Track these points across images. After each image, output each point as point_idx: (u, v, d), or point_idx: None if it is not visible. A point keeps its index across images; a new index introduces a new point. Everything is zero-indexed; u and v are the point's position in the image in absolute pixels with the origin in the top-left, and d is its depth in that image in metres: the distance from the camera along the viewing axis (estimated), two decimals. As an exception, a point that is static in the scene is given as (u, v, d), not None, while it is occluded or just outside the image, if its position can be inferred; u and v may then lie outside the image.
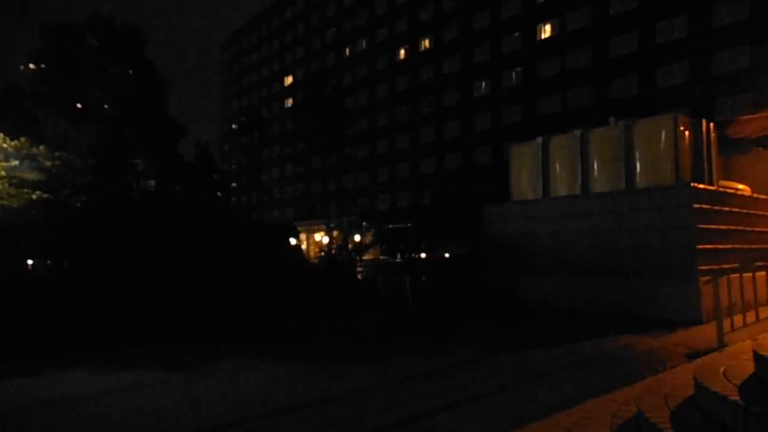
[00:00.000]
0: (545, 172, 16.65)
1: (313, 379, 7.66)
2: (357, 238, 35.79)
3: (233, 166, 58.84)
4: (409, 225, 42.97)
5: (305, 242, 45.67)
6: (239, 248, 15.80)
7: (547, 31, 41.68)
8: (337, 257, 28.15)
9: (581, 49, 39.19)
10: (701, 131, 14.37)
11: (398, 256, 33.72)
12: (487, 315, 14.02)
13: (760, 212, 14.40)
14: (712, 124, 14.89)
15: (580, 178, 15.69)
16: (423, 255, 33.58)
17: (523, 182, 17.40)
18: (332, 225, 38.72)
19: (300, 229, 37.45)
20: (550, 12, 41.22)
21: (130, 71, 22.24)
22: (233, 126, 70.76)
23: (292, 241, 32.18)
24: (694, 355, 7.99)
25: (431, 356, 9.09)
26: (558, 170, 16.34)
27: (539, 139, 16.98)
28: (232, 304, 13.41)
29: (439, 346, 9.91)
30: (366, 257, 31.05)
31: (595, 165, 15.39)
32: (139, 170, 22.57)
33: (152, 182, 23.32)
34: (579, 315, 13.22)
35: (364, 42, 57.28)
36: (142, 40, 22.61)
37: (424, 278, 20.52)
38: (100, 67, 21.52)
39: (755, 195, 14.80)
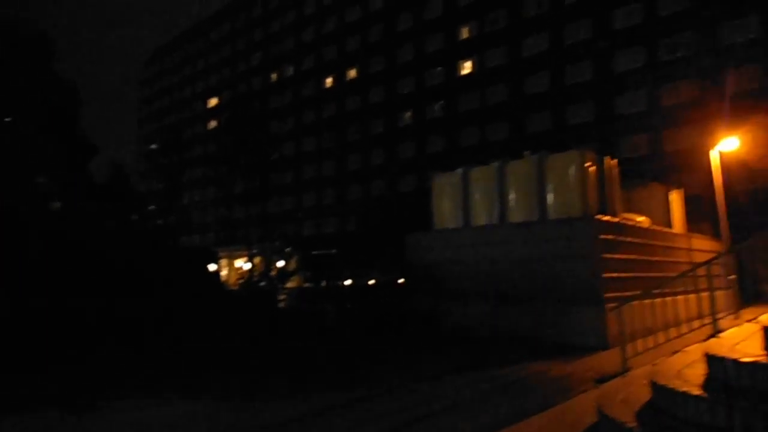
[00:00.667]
0: (466, 201, 17.17)
1: (228, 414, 7.22)
2: (280, 264, 35.01)
3: (152, 189, 56.12)
4: (334, 251, 42.70)
5: (226, 269, 44.05)
6: (147, 274, 14.89)
7: (467, 67, 43.74)
8: (258, 284, 27.24)
9: (499, 86, 41.42)
10: (605, 167, 15.47)
11: (323, 282, 33.31)
12: (409, 342, 14.04)
13: (658, 242, 15.61)
14: (615, 161, 16.08)
15: (498, 208, 16.32)
16: (348, 282, 33.37)
17: (445, 211, 17.82)
18: (254, 251, 37.65)
19: (221, 254, 36.12)
20: (470, 49, 43.36)
21: (36, 83, 20.70)
22: (152, 146, 67.71)
23: (212, 267, 30.89)
24: (601, 380, 8.37)
25: (352, 386, 8.89)
26: (478, 200, 16.90)
27: (460, 170, 17.52)
28: (139, 335, 12.53)
29: (360, 375, 9.74)
30: (289, 284, 30.38)
31: (512, 196, 16.09)
32: (43, 190, 20.86)
33: (57, 203, 21.63)
34: (498, 341, 13.54)
35: (291, 68, 57.20)
36: (50, 50, 21.17)
37: (348, 305, 20.33)
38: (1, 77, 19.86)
39: (653, 226, 16.06)
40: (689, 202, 20.27)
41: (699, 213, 22.11)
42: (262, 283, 28.23)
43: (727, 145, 18.96)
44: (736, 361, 4.43)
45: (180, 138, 62.49)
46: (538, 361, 10.51)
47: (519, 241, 14.70)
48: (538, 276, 14.03)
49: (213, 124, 64.48)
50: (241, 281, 29.52)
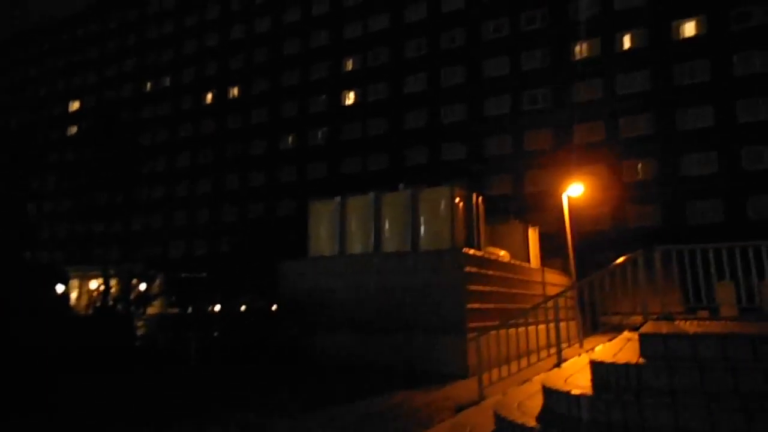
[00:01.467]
0: (342, 230, 17.16)
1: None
2: (142, 287, 32.12)
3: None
4: (204, 274, 40.25)
5: (77, 290, 39.38)
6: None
7: (350, 98, 44.65)
8: (113, 309, 24.68)
9: (381, 118, 42.77)
10: (472, 202, 16.44)
11: (189, 308, 31.08)
12: (278, 372, 13.48)
13: (517, 276, 16.83)
14: (480, 197, 17.17)
15: (373, 238, 16.53)
16: (217, 307, 31.54)
17: (321, 238, 17.66)
18: (112, 272, 34.18)
19: (73, 275, 32.30)
20: (353, 81, 44.40)
21: None
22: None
23: (59, 288, 27.41)
24: (459, 408, 8.61)
25: (205, 424, 8.17)
26: (354, 229, 16.99)
27: (338, 199, 17.54)
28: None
29: (217, 410, 9.02)
30: (151, 309, 27.93)
31: (387, 226, 16.42)
32: None
33: None
34: (367, 370, 13.49)
35: (168, 79, 53.99)
36: None
37: (216, 333, 19.08)
38: None
39: (513, 261, 17.31)
40: (544, 239, 22.28)
41: (552, 249, 24.36)
42: (119, 307, 25.65)
43: (574, 191, 21.23)
44: (566, 394, 4.73)
45: (32, 142, 55.64)
46: (404, 391, 10.59)
47: (391, 271, 14.96)
48: (408, 305, 14.33)
49: (74, 130, 58.31)
50: (92, 305, 26.54)
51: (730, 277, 7.54)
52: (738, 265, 7.48)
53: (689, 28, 35.22)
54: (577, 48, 37.63)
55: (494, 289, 14.94)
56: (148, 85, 55.12)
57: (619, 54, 36.34)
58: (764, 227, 28.81)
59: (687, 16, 35.20)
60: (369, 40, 44.84)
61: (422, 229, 15.62)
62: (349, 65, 45.31)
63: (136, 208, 46.78)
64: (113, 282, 30.36)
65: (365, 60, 44.63)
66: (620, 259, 8.72)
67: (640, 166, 34.25)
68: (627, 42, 36.46)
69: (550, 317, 10.72)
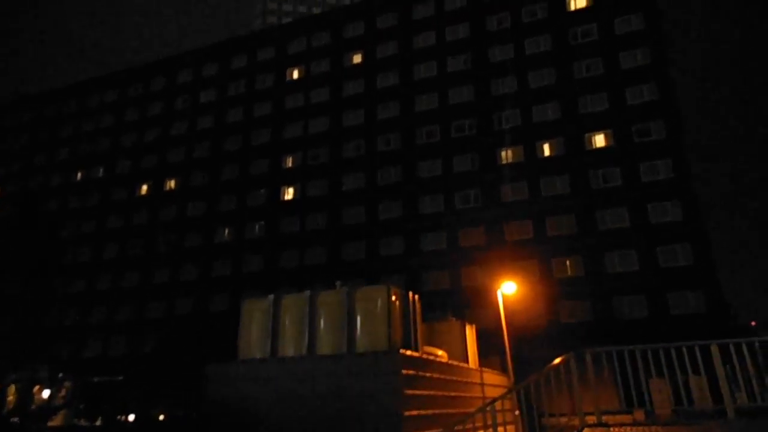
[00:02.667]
0: (275, 330, 16.13)
1: None
2: (45, 394, 28.44)
3: None
4: (120, 378, 36.46)
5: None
6: None
7: (290, 193, 44.75)
8: (5, 424, 21.43)
9: (319, 213, 42.82)
10: (409, 301, 16.07)
11: (99, 419, 27.58)
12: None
13: (456, 378, 16.20)
14: (417, 295, 16.87)
15: (307, 339, 15.59)
16: (132, 417, 28.23)
17: (253, 339, 16.46)
18: (13, 377, 30.22)
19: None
20: (293, 178, 44.82)
21: None
22: None
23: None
24: None
25: None
26: (288, 329, 16.01)
27: (271, 297, 16.66)
28: None
29: None
30: (55, 422, 24.50)
31: (322, 326, 15.60)
32: None
33: None
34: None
35: (101, 170, 52.29)
36: None
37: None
38: None
39: (451, 361, 16.75)
40: (482, 336, 22.00)
41: (490, 346, 24.08)
42: (14, 420, 22.31)
43: (508, 288, 21.46)
44: None
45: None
46: None
47: (326, 375, 13.96)
48: (343, 413, 13.25)
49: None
50: (-19, 419, 22.98)
51: (662, 374, 7.47)
52: (664, 362, 7.45)
53: (599, 140, 38.75)
54: (503, 153, 40.26)
55: (433, 392, 14.20)
56: (79, 174, 53.02)
57: (540, 160, 39.12)
58: (687, 321, 30.19)
59: (596, 130, 38.86)
60: (309, 140, 46.05)
61: (359, 329, 14.93)
62: (289, 162, 45.93)
63: (51, 303, 42.68)
64: (10, 390, 26.70)
65: (305, 158, 45.48)
66: (555, 362, 8.49)
67: (568, 262, 35.69)
68: (546, 150, 39.46)
69: (489, 422, 10.13)
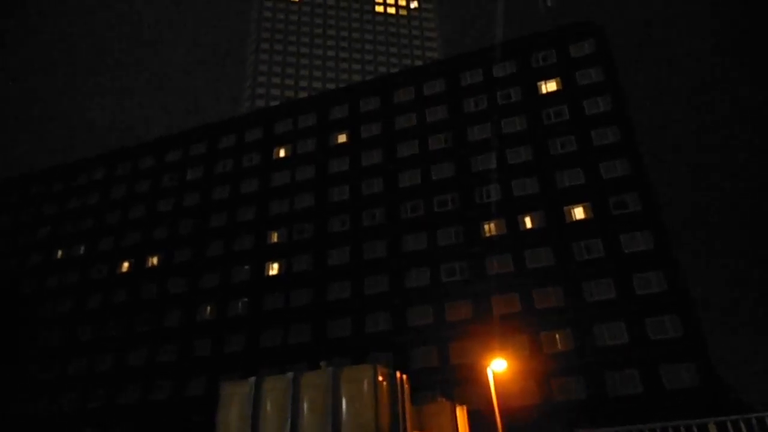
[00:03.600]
0: (256, 414, 14.86)
1: None
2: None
3: None
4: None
5: None
6: None
7: (274, 269, 43.83)
8: None
9: (304, 289, 41.75)
10: (396, 381, 15.06)
11: None
12: None
13: (447, 464, 14.87)
14: (405, 376, 15.87)
15: (289, 425, 14.36)
16: None
17: (231, 426, 15.14)
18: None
19: None
20: (278, 253, 44.12)
21: None
22: None
23: None
24: None
25: None
26: (269, 415, 14.76)
27: (252, 379, 15.53)
28: None
29: None
30: None
31: (306, 410, 14.43)
32: None
33: None
34: None
35: (82, 248, 51.06)
36: None
37: None
38: None
39: (442, 446, 15.46)
40: (474, 417, 20.65)
41: (482, 428, 22.61)
42: None
43: (498, 366, 20.48)
44: None
45: None
46: None
47: (309, 467, 12.67)
48: None
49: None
50: None
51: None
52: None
53: (579, 212, 39.21)
54: (487, 227, 40.37)
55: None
56: (59, 252, 51.61)
57: (523, 232, 39.22)
58: (681, 395, 29.00)
59: (575, 203, 39.42)
60: (295, 216, 45.88)
61: (344, 414, 13.80)
62: (275, 238, 45.41)
63: (22, 389, 39.73)
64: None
65: (291, 233, 45.06)
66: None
67: (557, 336, 34.72)
68: (528, 222, 39.71)
69: None
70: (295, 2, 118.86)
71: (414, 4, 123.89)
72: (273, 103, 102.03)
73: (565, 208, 39.37)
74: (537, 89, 45.45)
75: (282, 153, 50.13)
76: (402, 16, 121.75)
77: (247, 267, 44.57)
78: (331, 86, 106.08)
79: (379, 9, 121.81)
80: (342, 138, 48.91)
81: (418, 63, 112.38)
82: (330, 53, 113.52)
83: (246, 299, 43.07)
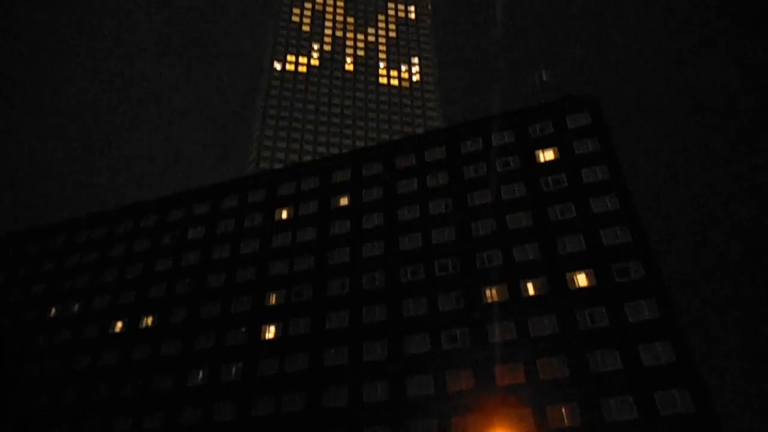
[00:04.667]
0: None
1: None
2: None
3: None
4: None
5: None
6: None
7: (271, 332, 42.18)
8: None
9: (300, 354, 39.95)
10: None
11: None
12: None
13: None
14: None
15: None
16: None
17: None
18: None
19: None
20: (275, 316, 42.65)
21: None
22: None
23: None
24: None
25: None
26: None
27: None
28: None
29: None
30: None
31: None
32: None
33: None
34: None
35: (76, 305, 49.41)
36: None
37: None
38: None
39: None
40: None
41: None
42: None
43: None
44: None
45: None
46: None
47: None
48: None
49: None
50: None
51: None
52: None
53: (581, 279, 38.22)
54: (488, 292, 39.20)
55: None
56: (53, 310, 49.91)
57: (525, 299, 38.02)
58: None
59: (577, 269, 38.52)
60: (294, 278, 44.78)
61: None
62: (273, 299, 44.06)
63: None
64: None
65: (289, 295, 43.76)
66: None
67: (563, 411, 32.65)
68: (531, 289, 38.60)
69: None
70: (303, 73, 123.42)
71: (416, 77, 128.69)
72: (277, 166, 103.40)
73: (568, 274, 38.44)
74: (535, 158, 45.82)
75: (284, 215, 49.78)
76: (404, 87, 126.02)
77: (243, 329, 42.92)
78: (334, 151, 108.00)
79: (383, 81, 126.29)
80: (344, 201, 48.75)
81: (420, 131, 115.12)
82: (334, 120, 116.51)
83: (240, 364, 41.10)
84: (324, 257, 45.24)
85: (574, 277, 38.29)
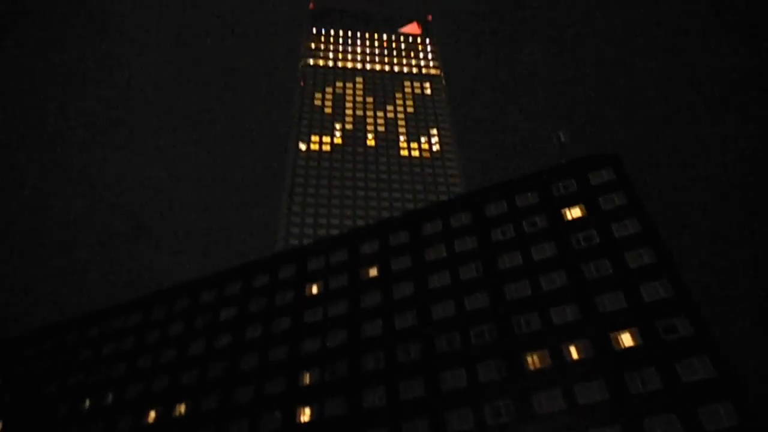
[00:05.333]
0: None
1: None
2: None
3: None
4: None
5: None
6: None
7: (306, 414, 40.53)
8: None
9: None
10: None
11: None
12: None
13: None
14: None
15: None
16: None
17: None
18: None
19: None
20: (310, 396, 41.20)
21: None
22: None
23: None
24: None
25: None
26: None
27: None
28: None
29: None
30: None
31: None
32: None
33: None
34: None
35: (110, 396, 48.79)
36: None
37: None
38: None
39: None
40: None
41: None
42: None
43: None
44: None
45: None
46: None
47: None
48: None
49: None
50: None
51: None
52: None
53: (626, 339, 36.10)
54: (529, 359, 37.25)
55: None
56: (87, 402, 49.30)
57: (570, 364, 35.90)
58: None
59: (620, 329, 36.51)
60: (327, 354, 43.63)
61: None
62: (307, 379, 42.71)
63: None
64: None
65: (323, 374, 42.38)
66: None
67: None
68: (574, 352, 36.55)
69: None
70: (327, 151, 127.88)
71: (436, 147, 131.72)
72: (306, 242, 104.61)
73: (611, 334, 36.43)
74: (562, 216, 45.15)
75: (314, 289, 49.49)
76: (426, 158, 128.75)
77: (277, 412, 41.41)
78: (361, 223, 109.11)
79: (404, 153, 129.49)
80: (373, 272, 48.35)
81: (444, 198, 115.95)
82: (360, 193, 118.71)
83: (275, 450, 39.30)
84: (357, 331, 44.22)
85: (619, 337, 36.24)
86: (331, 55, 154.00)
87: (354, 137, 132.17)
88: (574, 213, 45.09)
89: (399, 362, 40.59)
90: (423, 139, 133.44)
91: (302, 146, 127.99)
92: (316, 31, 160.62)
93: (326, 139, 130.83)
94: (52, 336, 57.94)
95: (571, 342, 36.88)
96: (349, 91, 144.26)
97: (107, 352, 52.86)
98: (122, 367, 50.66)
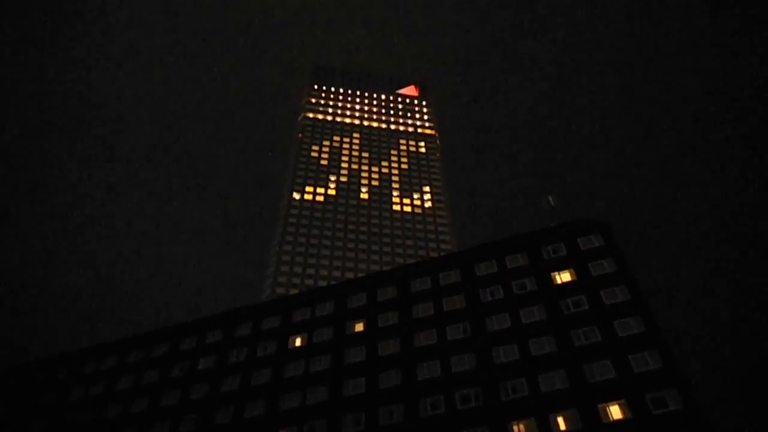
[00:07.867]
0: None
1: None
2: None
3: None
4: None
5: None
6: None
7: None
8: None
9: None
10: None
11: None
12: None
13: None
14: None
15: None
16: None
17: None
18: None
19: None
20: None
21: None
22: None
23: None
24: None
25: None
26: None
27: None
28: None
29: None
30: None
31: None
32: None
33: None
34: None
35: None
36: None
37: None
38: None
39: None
40: None
41: None
42: None
43: None
44: None
45: None
46: None
47: None
48: None
49: None
50: None
51: None
52: None
53: (615, 411, 34.83)
54: (515, 427, 35.65)
55: None
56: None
57: (557, 435, 34.35)
58: None
59: (609, 400, 35.31)
60: (307, 412, 41.50)
61: None
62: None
63: None
64: None
65: (300, 432, 40.13)
66: None
67: None
68: (561, 423, 35.08)
69: None
70: (320, 202, 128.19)
71: (428, 204, 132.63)
72: (293, 291, 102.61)
73: (599, 405, 35.13)
74: (551, 279, 44.74)
75: (298, 342, 47.86)
76: (417, 213, 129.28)
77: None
78: (350, 276, 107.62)
79: (396, 208, 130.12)
80: (359, 327, 47.03)
81: (434, 255, 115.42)
82: (350, 245, 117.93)
83: None
84: (339, 388, 42.34)
85: (607, 409, 34.93)
86: (330, 110, 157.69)
87: (348, 190, 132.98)
88: (564, 277, 44.72)
89: (380, 425, 38.64)
90: (416, 196, 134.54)
91: (296, 195, 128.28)
92: (318, 86, 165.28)
93: (320, 189, 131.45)
94: (14, 377, 54.91)
95: (559, 412, 35.46)
96: (345, 145, 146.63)
97: (74, 398, 49.92)
98: (87, 415, 47.67)
